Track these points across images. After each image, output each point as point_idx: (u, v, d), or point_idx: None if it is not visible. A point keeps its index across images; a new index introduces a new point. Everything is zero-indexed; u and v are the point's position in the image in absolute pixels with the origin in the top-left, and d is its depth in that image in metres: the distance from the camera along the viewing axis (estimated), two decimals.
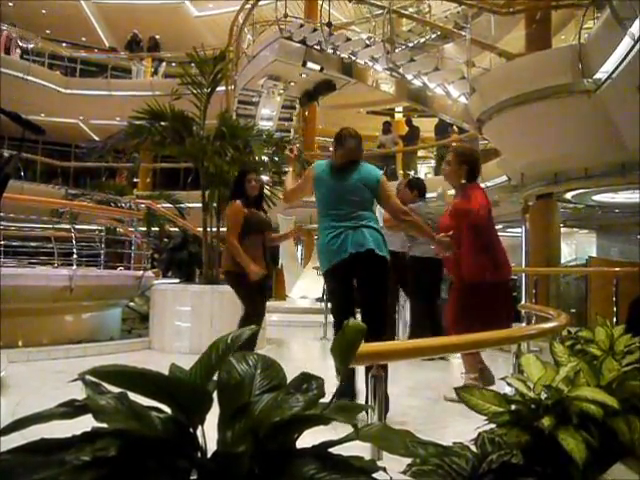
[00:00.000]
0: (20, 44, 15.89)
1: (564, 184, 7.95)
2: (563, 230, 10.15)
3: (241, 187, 4.53)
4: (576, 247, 14.49)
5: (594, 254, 12.60)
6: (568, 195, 8.71)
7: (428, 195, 11.25)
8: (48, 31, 17.86)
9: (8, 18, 16.26)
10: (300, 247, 14.90)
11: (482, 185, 4.28)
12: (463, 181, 4.03)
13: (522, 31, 9.12)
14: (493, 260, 3.92)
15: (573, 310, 8.21)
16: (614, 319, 5.84)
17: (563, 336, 2.80)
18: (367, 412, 2.16)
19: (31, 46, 16.30)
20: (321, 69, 10.74)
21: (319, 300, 9.51)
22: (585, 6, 6.95)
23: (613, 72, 5.57)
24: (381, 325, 3.31)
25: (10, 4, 16.80)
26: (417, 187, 6.19)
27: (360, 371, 3.05)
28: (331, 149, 3.70)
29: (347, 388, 3.12)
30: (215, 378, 1.10)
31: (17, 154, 1.72)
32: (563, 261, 10.13)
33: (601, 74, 5.88)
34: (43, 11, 17.82)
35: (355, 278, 3.37)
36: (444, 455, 1.32)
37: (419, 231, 3.75)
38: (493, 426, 1.63)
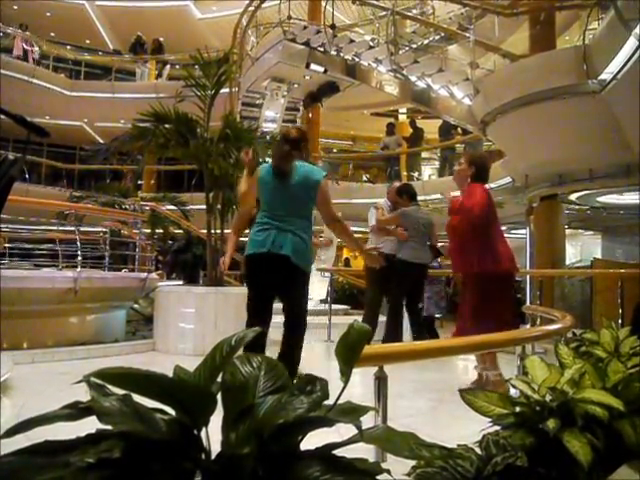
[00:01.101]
0: (25, 46, 16.01)
1: (568, 185, 7.94)
2: (568, 232, 10.14)
3: None
4: (581, 249, 14.45)
5: (599, 256, 12.57)
6: (573, 196, 8.70)
7: (432, 197, 11.29)
8: (52, 34, 17.94)
9: (12, 21, 16.35)
10: None
11: (486, 186, 4.34)
12: (468, 181, 4.15)
13: (526, 32, 9.12)
14: (492, 254, 4.03)
15: (577, 312, 8.18)
16: (619, 321, 5.82)
17: (568, 338, 2.80)
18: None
19: (36, 49, 16.41)
20: (325, 71, 10.75)
21: (323, 302, 9.51)
22: (589, 7, 6.94)
23: (618, 73, 5.56)
24: (297, 331, 3.42)
25: (15, 7, 16.88)
26: (406, 192, 6.26)
27: None
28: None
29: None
30: (219, 380, 1.10)
31: (22, 156, 1.73)
32: (568, 263, 10.09)
33: (606, 75, 5.87)
34: (47, 14, 17.91)
35: (272, 279, 3.43)
36: (448, 457, 1.32)
37: (348, 240, 3.85)
38: (498, 428, 1.62)
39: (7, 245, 7.70)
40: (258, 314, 3.49)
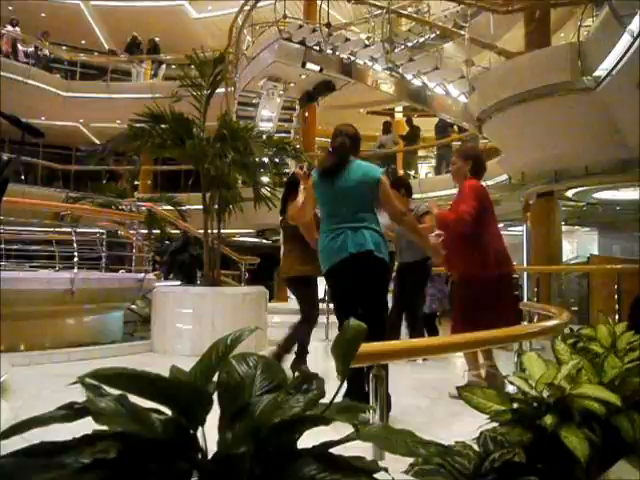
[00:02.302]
0: (20, 46, 15.95)
1: (565, 182, 7.96)
2: (564, 228, 10.14)
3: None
4: (578, 245, 14.46)
5: (596, 252, 12.58)
6: (569, 193, 8.71)
7: (429, 195, 11.28)
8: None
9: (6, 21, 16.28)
10: None
11: (483, 184, 4.27)
12: (468, 176, 4.02)
13: (521, 30, 9.12)
14: (487, 257, 3.87)
15: (575, 308, 8.20)
16: (616, 316, 5.84)
17: (565, 334, 2.80)
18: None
19: (31, 49, 16.35)
20: (320, 70, 10.75)
21: (321, 301, 9.50)
22: (584, 4, 6.96)
23: (613, 69, 5.57)
24: (381, 327, 3.33)
25: (9, 7, 16.81)
26: (404, 186, 5.72)
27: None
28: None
29: (356, 388, 3.10)
30: (215, 379, 1.09)
31: (16, 157, 1.72)
32: (565, 259, 10.11)
33: (601, 72, 5.88)
34: (42, 14, 17.84)
35: (355, 278, 3.37)
36: (446, 454, 1.32)
37: (416, 236, 3.68)
38: (495, 425, 1.62)
39: (3, 247, 7.67)
40: (347, 311, 3.41)
